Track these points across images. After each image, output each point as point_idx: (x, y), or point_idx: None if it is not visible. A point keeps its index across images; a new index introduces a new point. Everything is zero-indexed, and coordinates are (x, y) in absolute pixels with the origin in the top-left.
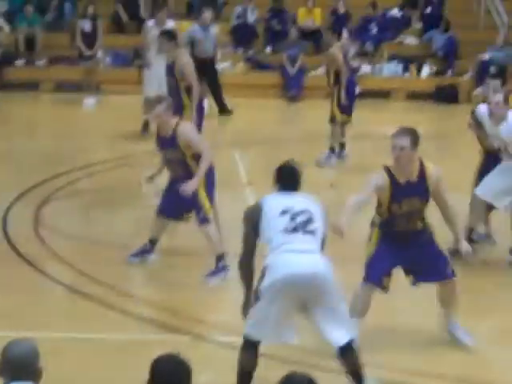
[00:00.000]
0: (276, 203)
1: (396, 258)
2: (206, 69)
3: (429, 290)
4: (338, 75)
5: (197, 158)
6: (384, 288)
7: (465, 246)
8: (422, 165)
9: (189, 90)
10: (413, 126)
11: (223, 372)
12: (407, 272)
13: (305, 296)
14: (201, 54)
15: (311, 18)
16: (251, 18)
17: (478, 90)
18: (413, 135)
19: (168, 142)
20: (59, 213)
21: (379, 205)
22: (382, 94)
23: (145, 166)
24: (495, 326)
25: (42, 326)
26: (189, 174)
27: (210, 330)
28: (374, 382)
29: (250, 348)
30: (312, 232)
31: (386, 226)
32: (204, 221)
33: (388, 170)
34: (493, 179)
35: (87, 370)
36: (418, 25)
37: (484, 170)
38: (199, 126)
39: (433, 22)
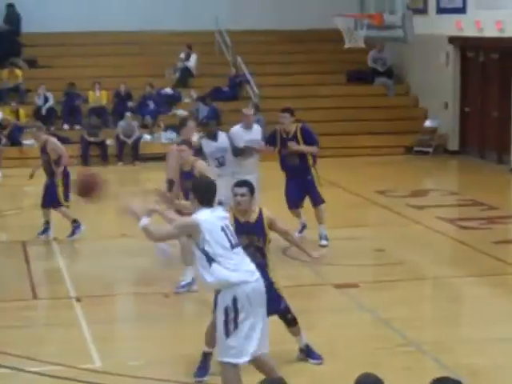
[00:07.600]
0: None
1: None
2: None
3: None
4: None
5: None
6: None
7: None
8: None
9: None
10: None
11: None
12: None
13: None
14: None
15: (99, 99)
16: (51, 101)
17: None
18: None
19: None
20: None
21: None
22: (161, 158)
23: None
24: None
25: None
26: None
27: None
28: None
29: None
30: None
31: None
32: None
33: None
34: None
35: None
36: (187, 100)
37: None
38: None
39: (199, 98)
